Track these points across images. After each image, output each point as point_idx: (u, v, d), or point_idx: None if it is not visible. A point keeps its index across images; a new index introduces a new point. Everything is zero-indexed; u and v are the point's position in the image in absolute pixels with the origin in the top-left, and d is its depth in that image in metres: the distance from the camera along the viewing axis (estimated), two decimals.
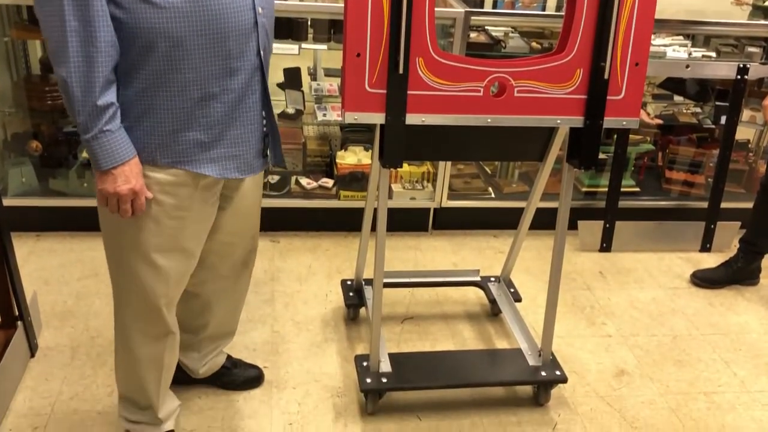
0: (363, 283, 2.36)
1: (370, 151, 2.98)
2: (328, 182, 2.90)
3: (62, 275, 2.53)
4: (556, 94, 1.74)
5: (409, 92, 1.67)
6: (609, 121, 1.79)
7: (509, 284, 2.46)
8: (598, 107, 1.75)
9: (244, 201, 1.67)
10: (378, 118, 1.68)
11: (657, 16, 2.72)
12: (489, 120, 1.74)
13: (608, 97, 1.75)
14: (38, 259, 2.61)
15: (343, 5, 1.61)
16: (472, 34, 3.02)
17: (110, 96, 1.31)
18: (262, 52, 1.46)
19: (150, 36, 1.30)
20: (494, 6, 3.19)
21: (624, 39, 1.72)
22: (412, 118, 1.70)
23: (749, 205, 2.77)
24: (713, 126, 3.34)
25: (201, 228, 1.58)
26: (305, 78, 3.18)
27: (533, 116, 1.76)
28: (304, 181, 2.90)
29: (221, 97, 1.41)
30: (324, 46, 2.84)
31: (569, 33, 1.70)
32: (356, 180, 2.90)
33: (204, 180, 1.49)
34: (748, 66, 2.85)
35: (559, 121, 1.78)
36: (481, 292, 2.54)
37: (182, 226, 1.51)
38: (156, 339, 1.65)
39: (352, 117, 1.67)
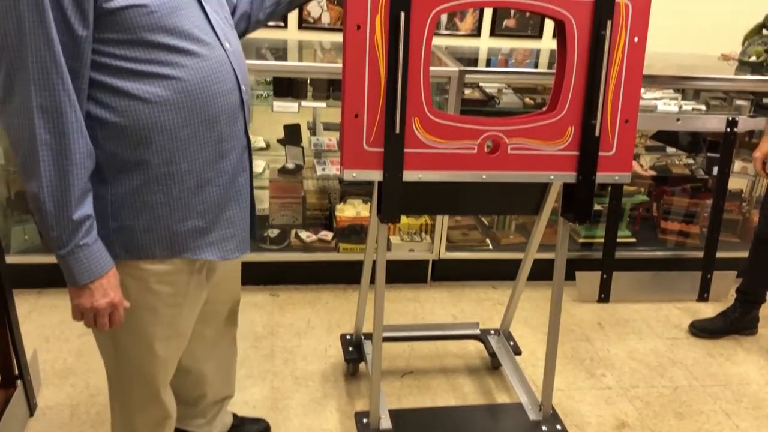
0: (362, 337, 2.37)
1: (369, 203, 3.03)
2: (328, 235, 2.94)
3: (63, 332, 2.54)
4: (549, 151, 1.79)
5: (405, 150, 1.72)
6: (602, 177, 1.83)
7: (509, 337, 2.47)
8: (590, 163, 1.79)
9: (226, 266, 1.65)
10: (376, 176, 1.72)
11: (648, 72, 2.81)
12: (484, 176, 1.78)
13: (600, 153, 1.80)
14: (39, 316, 2.62)
15: (341, 65, 1.67)
16: (467, 91, 3.10)
17: (86, 208, 1.24)
18: (247, 129, 1.46)
19: (142, 132, 1.27)
20: (488, 63, 3.28)
21: (613, 97, 1.78)
22: (409, 175, 1.74)
23: (744, 254, 2.80)
24: (706, 176, 3.40)
25: (195, 311, 1.55)
26: (305, 133, 3.25)
27: (527, 172, 1.80)
28: (303, 234, 2.93)
29: (216, 180, 1.39)
30: (323, 104, 2.91)
31: (560, 92, 1.76)
32: (355, 232, 2.93)
33: (199, 263, 1.46)
34: (737, 119, 2.92)
35: (552, 177, 1.82)
36: (481, 345, 2.55)
37: (179, 312, 1.48)
38: (156, 426, 1.62)
39: (351, 175, 1.71)
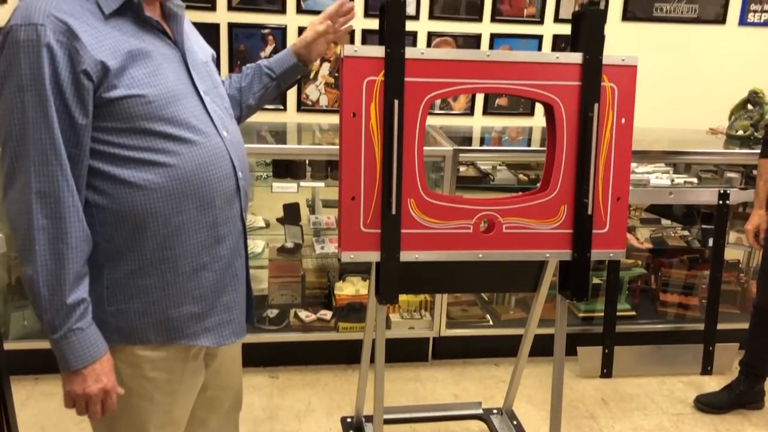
0: (363, 420, 2.34)
1: (368, 281, 3.03)
2: (327, 314, 2.93)
3: (60, 420, 2.50)
4: (544, 229, 1.82)
5: (402, 231, 1.75)
6: (596, 254, 1.85)
7: (512, 416, 2.44)
8: (584, 241, 1.82)
9: (228, 353, 1.62)
10: (374, 257, 1.75)
11: (640, 147, 2.89)
12: (480, 255, 1.81)
13: (594, 231, 1.83)
14: (36, 404, 2.59)
15: (338, 147, 1.72)
16: (462, 168, 3.17)
17: (81, 291, 1.24)
18: (243, 215, 1.48)
19: (137, 218, 1.28)
20: (482, 141, 3.36)
21: (604, 176, 1.82)
22: (406, 256, 1.76)
23: (745, 325, 2.79)
24: (702, 248, 3.42)
25: (192, 397, 1.52)
26: (304, 211, 3.29)
27: (523, 250, 1.83)
28: (302, 314, 2.93)
29: (211, 265, 1.39)
30: (322, 183, 2.96)
31: (551, 171, 1.81)
32: (355, 311, 2.93)
33: (195, 349, 1.44)
34: (729, 191, 2.97)
35: (548, 255, 1.84)
36: (484, 425, 2.51)
37: (175, 399, 1.45)
38: None
39: (349, 256, 1.74)
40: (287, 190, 2.87)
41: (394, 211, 1.71)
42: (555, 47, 3.80)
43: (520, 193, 1.86)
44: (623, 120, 1.82)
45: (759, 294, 2.64)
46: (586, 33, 1.76)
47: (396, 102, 1.68)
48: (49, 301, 1.22)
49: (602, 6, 3.73)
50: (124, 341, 1.35)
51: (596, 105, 1.77)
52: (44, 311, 1.23)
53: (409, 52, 1.69)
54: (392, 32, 1.67)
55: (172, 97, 1.29)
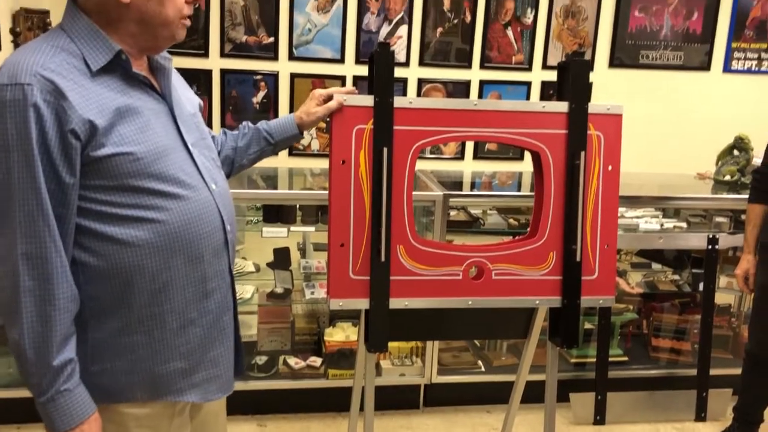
0: None
1: (358, 326, 3.01)
2: (317, 361, 2.90)
3: None
4: (533, 276, 1.82)
5: (391, 278, 1.74)
6: (586, 301, 1.85)
7: None
8: (573, 288, 1.82)
9: (212, 405, 1.57)
10: (362, 304, 1.74)
11: (629, 192, 2.92)
12: (470, 302, 1.80)
13: (583, 278, 1.83)
14: None
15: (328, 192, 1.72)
16: (452, 212, 3.17)
17: (68, 352, 1.22)
18: (232, 267, 1.46)
19: (125, 275, 1.26)
20: (473, 186, 3.39)
21: (592, 223, 1.83)
22: (396, 303, 1.75)
23: (738, 370, 2.78)
24: (693, 292, 3.42)
25: None
26: (295, 255, 3.28)
27: (512, 297, 1.82)
28: (292, 360, 2.89)
29: (199, 321, 1.37)
30: (312, 228, 2.96)
31: (540, 218, 1.81)
32: (345, 357, 2.90)
33: (181, 404, 1.41)
34: (718, 236, 2.99)
35: (537, 302, 1.84)
36: None
37: None
38: None
39: (338, 304, 1.73)
40: (277, 235, 2.87)
41: (383, 258, 1.71)
42: (543, 93, 3.86)
43: (510, 239, 1.86)
44: (610, 167, 1.83)
45: (750, 340, 2.63)
46: (571, 83, 1.78)
47: (385, 150, 1.69)
48: (35, 364, 1.20)
49: (587, 56, 3.80)
50: (109, 400, 1.32)
51: (583, 153, 1.78)
52: (31, 374, 1.21)
53: (398, 102, 1.71)
54: (381, 82, 1.69)
55: (160, 153, 1.28)
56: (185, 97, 1.48)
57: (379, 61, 1.69)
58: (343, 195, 1.70)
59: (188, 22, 1.35)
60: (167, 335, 1.33)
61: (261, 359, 2.90)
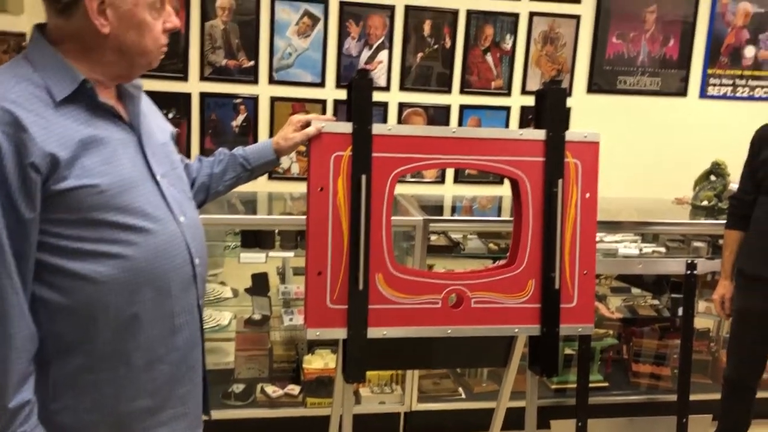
0: None
1: (337, 354, 2.97)
2: (295, 389, 2.86)
3: None
4: (512, 304, 1.80)
5: (369, 307, 1.72)
6: (565, 329, 1.84)
7: None
8: (552, 316, 1.81)
9: None
10: (340, 333, 1.71)
11: (609, 218, 2.93)
12: (449, 331, 1.78)
13: (561, 305, 1.82)
14: None
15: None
16: (433, 237, 3.16)
17: (25, 393, 1.17)
18: (200, 302, 1.42)
19: (88, 312, 1.22)
20: (453, 210, 3.38)
21: (570, 250, 1.82)
22: (374, 332, 1.73)
23: (718, 395, 2.78)
24: (673, 317, 3.43)
25: None
26: (274, 279, 3.25)
27: (491, 326, 1.80)
28: (269, 389, 2.85)
29: (167, 357, 1.33)
30: (291, 254, 2.94)
31: (518, 246, 1.81)
32: (324, 385, 2.86)
33: None
34: (696, 262, 3.00)
35: (516, 330, 1.82)
36: None
37: None
38: None
39: (314, 334, 1.70)
40: (255, 260, 2.84)
41: (361, 287, 1.69)
42: (522, 118, 3.88)
43: (488, 267, 1.85)
44: (587, 195, 1.83)
45: (728, 365, 2.64)
46: (548, 110, 1.79)
47: (363, 178, 1.67)
48: None
49: (565, 82, 3.84)
50: None
51: (560, 181, 1.78)
52: None
53: (376, 129, 1.70)
54: (359, 109, 1.68)
55: (126, 185, 1.24)
56: (156, 125, 1.44)
57: (357, 88, 1.69)
58: (321, 222, 1.68)
59: (164, 50, 1.33)
60: (133, 372, 1.28)
61: (238, 387, 2.86)
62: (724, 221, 3.12)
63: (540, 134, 1.79)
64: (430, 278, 1.77)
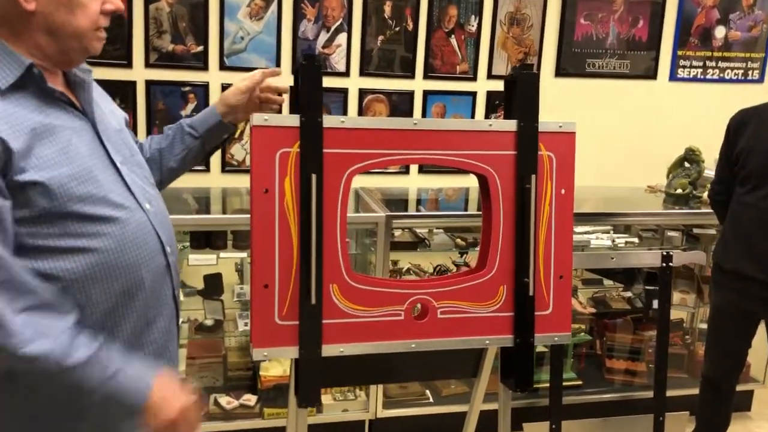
0: None
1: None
2: (251, 399, 2.67)
3: None
4: (482, 313, 1.64)
5: (324, 321, 1.53)
6: (540, 338, 1.67)
7: None
8: (526, 325, 1.64)
9: None
10: (291, 353, 1.53)
11: (580, 209, 2.78)
12: (413, 345, 1.61)
13: (536, 313, 1.66)
14: None
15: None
16: (397, 233, 2.99)
17: (83, 339, 1.16)
18: (176, 293, 1.38)
19: None
20: (418, 203, 3.21)
21: (545, 252, 1.66)
22: (329, 349, 1.55)
23: (694, 390, 2.68)
24: (646, 308, 3.32)
25: None
26: (232, 279, 3.04)
27: (460, 338, 1.63)
28: (223, 400, 2.65)
29: (143, 351, 1.29)
30: (244, 254, 2.74)
31: (488, 249, 1.63)
32: (282, 394, 2.68)
33: None
34: (672, 254, 2.87)
35: (487, 342, 1.65)
36: None
37: None
38: None
39: (262, 354, 1.51)
40: (205, 262, 2.63)
41: (313, 301, 1.50)
42: (489, 104, 3.71)
43: (456, 272, 1.68)
44: (563, 191, 1.67)
45: (706, 363, 2.53)
46: (519, 98, 1.61)
47: (314, 177, 1.48)
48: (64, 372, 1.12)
49: (535, 69, 3.67)
50: None
51: (533, 176, 1.61)
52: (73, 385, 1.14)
53: (328, 121, 1.51)
54: (308, 98, 1.48)
55: (87, 174, 1.19)
56: (109, 111, 1.39)
57: (305, 74, 1.48)
58: (267, 229, 1.49)
59: (103, 35, 1.25)
60: None
61: None
62: (700, 210, 3.02)
63: (510, 125, 1.62)
64: (392, 287, 1.59)
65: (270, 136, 1.47)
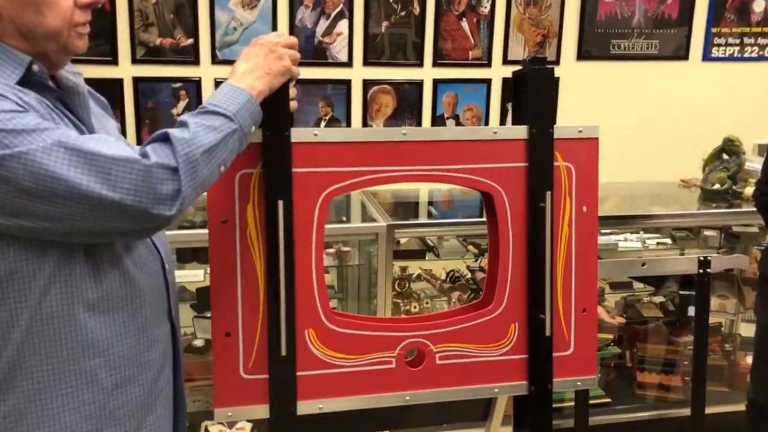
0: None
1: None
2: (246, 427, 2.45)
3: None
4: (489, 357, 1.38)
5: (298, 374, 1.29)
6: (559, 383, 1.42)
7: None
8: (543, 370, 1.38)
9: None
10: (260, 412, 1.29)
11: (606, 211, 2.51)
12: (407, 398, 1.36)
13: (554, 354, 1.39)
14: None
15: None
16: (403, 240, 2.73)
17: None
18: (173, 313, 1.27)
19: None
20: (430, 205, 2.96)
21: (564, 282, 1.39)
22: (306, 406, 1.31)
23: (736, 407, 2.41)
24: (679, 312, 3.03)
25: None
26: None
27: (463, 387, 1.38)
28: (215, 429, 2.43)
29: (139, 378, 1.18)
30: None
31: (495, 281, 1.37)
32: None
33: None
34: (709, 258, 2.58)
35: (497, 390, 1.40)
36: None
37: None
38: None
39: (225, 414, 1.28)
40: (191, 278, 2.41)
41: (284, 352, 1.25)
42: (505, 92, 3.43)
43: (457, 307, 1.43)
44: (584, 208, 1.40)
45: (754, 386, 2.25)
46: (531, 100, 1.34)
47: (281, 204, 1.23)
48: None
49: (552, 49, 3.37)
50: None
51: (549, 193, 1.34)
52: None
53: (297, 135, 1.26)
54: (273, 108, 1.22)
55: None
56: (105, 118, 1.33)
57: None
58: (227, 267, 1.25)
59: (84, 30, 1.14)
60: (100, 396, 1.13)
61: None
62: (740, 209, 2.73)
63: (520, 132, 1.35)
64: (380, 330, 1.34)
65: None
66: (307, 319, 1.28)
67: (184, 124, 1.07)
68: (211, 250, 1.25)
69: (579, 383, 1.43)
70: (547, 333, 1.36)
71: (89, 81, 1.28)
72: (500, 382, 1.39)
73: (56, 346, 1.08)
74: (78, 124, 1.15)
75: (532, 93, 1.34)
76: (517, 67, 1.41)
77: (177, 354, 1.30)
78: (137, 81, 3.19)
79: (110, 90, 3.14)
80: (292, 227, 1.25)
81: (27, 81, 1.08)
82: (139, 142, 3.20)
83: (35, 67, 1.09)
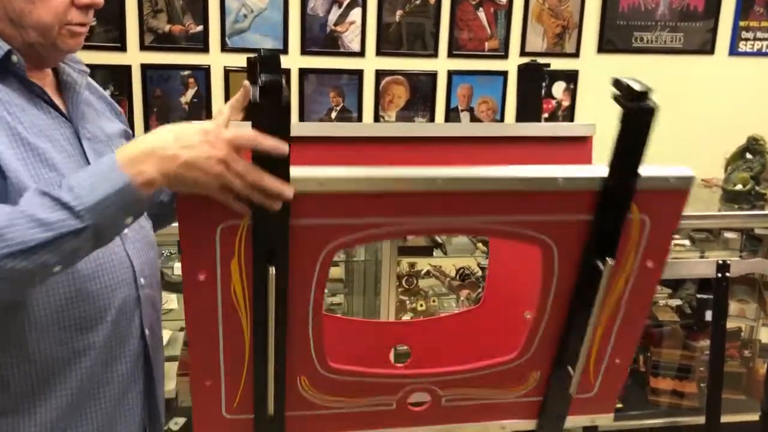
0: None
1: None
2: None
3: None
4: (504, 400, 1.31)
5: (288, 414, 1.19)
6: (573, 420, 1.35)
7: None
8: (558, 411, 1.32)
9: None
10: None
11: None
12: None
13: (575, 396, 1.31)
14: None
15: None
16: (410, 236, 2.69)
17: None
18: (146, 331, 1.22)
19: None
20: None
21: (603, 336, 1.22)
22: None
23: (753, 417, 2.37)
24: (696, 315, 2.96)
25: None
26: None
27: (469, 424, 1.32)
28: None
29: (97, 398, 1.16)
30: None
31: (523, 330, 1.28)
32: None
33: None
34: (729, 262, 2.50)
35: (503, 427, 1.34)
36: None
37: None
38: None
39: None
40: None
41: (271, 411, 1.15)
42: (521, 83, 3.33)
43: (470, 350, 1.35)
44: (650, 263, 1.15)
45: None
46: (619, 141, 1.07)
47: (272, 270, 1.00)
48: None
49: (571, 40, 3.25)
50: None
51: (611, 259, 1.10)
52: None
53: (299, 183, 0.97)
54: (273, 171, 0.95)
55: (51, 181, 1.04)
56: (106, 118, 1.29)
57: (265, 90, 0.91)
58: (206, 327, 1.07)
59: (79, 30, 1.12)
60: (52, 415, 1.10)
61: (176, 424, 2.40)
62: (764, 212, 2.65)
63: (592, 181, 1.05)
64: (379, 377, 1.24)
65: (205, 206, 0.98)
66: (299, 367, 1.18)
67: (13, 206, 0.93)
68: (186, 308, 1.06)
69: (593, 420, 1.37)
70: (571, 390, 1.25)
71: (98, 67, 1.25)
72: (510, 419, 1.32)
73: (10, 368, 1.07)
74: (60, 117, 1.14)
75: (622, 136, 1.07)
76: (535, 59, 1.17)
77: (149, 374, 1.26)
78: (145, 68, 3.13)
79: (118, 77, 3.11)
80: (286, 294, 1.05)
81: (6, 68, 1.07)
82: (147, 129, 3.15)
83: (14, 58, 1.08)
